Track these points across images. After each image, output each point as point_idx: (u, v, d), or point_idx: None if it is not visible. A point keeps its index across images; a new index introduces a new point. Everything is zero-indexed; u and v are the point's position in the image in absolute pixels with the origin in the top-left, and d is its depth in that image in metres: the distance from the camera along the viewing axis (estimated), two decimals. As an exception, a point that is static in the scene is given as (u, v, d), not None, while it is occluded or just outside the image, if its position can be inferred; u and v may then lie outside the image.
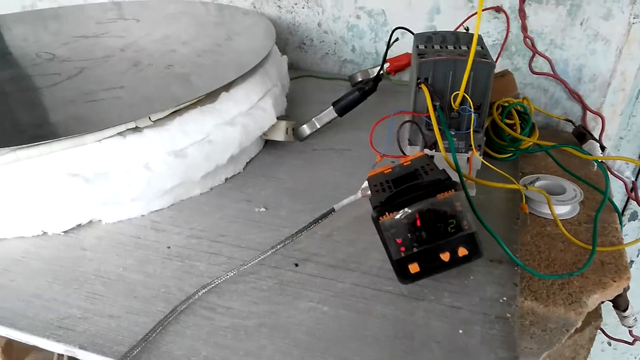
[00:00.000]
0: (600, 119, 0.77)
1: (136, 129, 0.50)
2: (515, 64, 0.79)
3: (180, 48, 0.67)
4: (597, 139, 0.71)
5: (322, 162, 0.63)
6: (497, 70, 0.70)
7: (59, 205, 0.47)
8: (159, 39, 0.71)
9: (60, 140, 0.46)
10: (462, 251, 0.39)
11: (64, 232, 0.50)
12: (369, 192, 0.47)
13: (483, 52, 0.50)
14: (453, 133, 0.51)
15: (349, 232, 0.50)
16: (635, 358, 1.07)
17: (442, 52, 0.51)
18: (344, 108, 0.62)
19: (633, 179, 0.64)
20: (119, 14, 0.87)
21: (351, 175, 0.59)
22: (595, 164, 0.65)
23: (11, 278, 0.45)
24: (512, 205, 0.54)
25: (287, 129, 0.63)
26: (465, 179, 0.47)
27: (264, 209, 0.53)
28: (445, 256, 0.39)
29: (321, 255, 0.47)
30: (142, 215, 0.52)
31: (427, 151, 0.52)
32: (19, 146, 0.45)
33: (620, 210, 0.93)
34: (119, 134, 0.49)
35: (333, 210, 0.48)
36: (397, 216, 0.38)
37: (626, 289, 0.60)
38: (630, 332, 0.70)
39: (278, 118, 0.64)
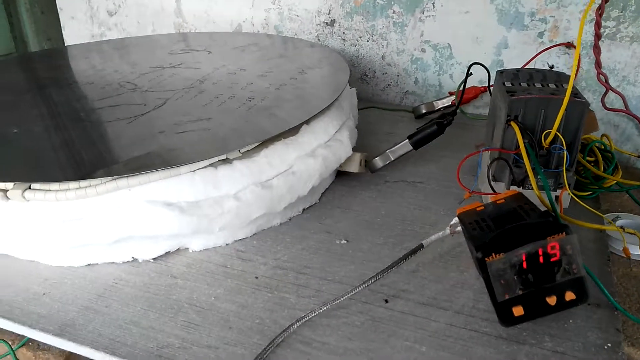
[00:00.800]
0: (676, 157, 0.75)
1: (226, 161, 0.52)
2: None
3: (257, 81, 0.69)
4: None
5: (396, 194, 0.63)
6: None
7: (154, 233, 0.48)
8: (234, 71, 0.74)
9: (159, 170, 0.47)
10: (569, 295, 0.38)
11: (153, 259, 0.51)
12: (458, 228, 0.47)
13: (574, 91, 0.50)
14: (542, 171, 0.51)
15: (435, 268, 0.49)
16: None
17: (530, 90, 0.51)
18: (420, 141, 0.62)
19: None
20: (189, 45, 0.90)
21: (427, 209, 0.59)
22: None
23: (106, 304, 0.46)
24: (600, 246, 0.52)
25: (361, 160, 0.64)
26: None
27: (345, 241, 0.54)
28: (551, 300, 0.38)
29: (410, 292, 0.46)
30: (227, 244, 0.53)
31: (514, 188, 0.52)
32: (120, 176, 0.47)
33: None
34: (211, 165, 0.50)
35: (422, 246, 0.48)
36: (504, 257, 0.38)
37: None
38: None
39: (353, 150, 0.65)
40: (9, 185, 0.48)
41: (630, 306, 0.49)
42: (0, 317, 0.44)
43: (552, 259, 0.38)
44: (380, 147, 0.67)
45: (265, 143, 0.55)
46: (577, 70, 0.75)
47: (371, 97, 0.93)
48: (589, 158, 0.60)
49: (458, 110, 0.76)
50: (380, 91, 0.92)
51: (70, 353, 0.60)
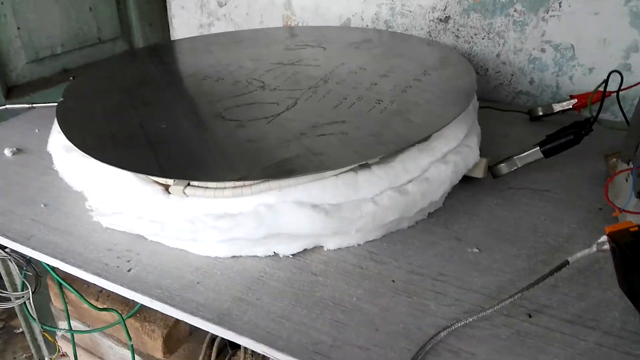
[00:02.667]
0: None
1: (365, 165, 0.53)
2: None
3: (380, 81, 0.70)
4: None
5: (522, 202, 0.62)
6: None
7: (299, 232, 0.51)
8: (354, 69, 0.75)
9: (308, 174, 0.50)
10: None
11: (292, 255, 0.54)
12: (606, 247, 0.46)
13: None
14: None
15: (576, 284, 0.49)
16: None
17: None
18: (553, 150, 0.61)
19: None
20: (302, 40, 0.92)
21: (558, 221, 0.58)
22: None
23: (257, 296, 0.49)
24: None
25: (486, 166, 0.64)
26: None
27: (477, 250, 0.54)
28: None
29: (552, 308, 0.46)
30: (359, 245, 0.55)
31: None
32: (274, 179, 0.49)
33: None
34: (352, 169, 0.52)
35: (567, 263, 0.47)
36: (672, 285, 0.37)
37: None
38: None
39: (477, 154, 0.65)
40: (169, 181, 0.52)
41: None
42: (163, 303, 0.49)
43: None
44: (497, 150, 0.66)
45: (402, 149, 0.56)
46: None
47: (481, 95, 0.91)
48: None
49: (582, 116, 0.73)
50: (491, 89, 0.91)
51: (174, 324, 0.65)
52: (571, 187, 0.64)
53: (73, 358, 0.74)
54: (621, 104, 0.70)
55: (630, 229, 0.44)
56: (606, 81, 0.61)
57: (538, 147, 0.62)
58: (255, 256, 0.54)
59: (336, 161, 0.51)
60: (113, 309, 0.65)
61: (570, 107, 0.78)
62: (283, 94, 0.68)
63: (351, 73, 0.74)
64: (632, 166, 0.51)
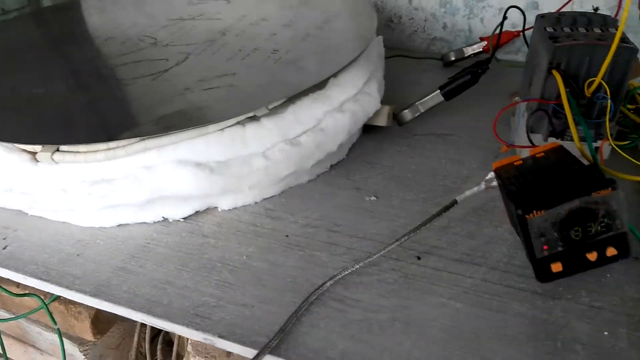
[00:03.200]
0: None
1: (254, 118, 0.51)
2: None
3: (281, 31, 0.67)
4: None
5: (425, 148, 0.61)
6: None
7: (183, 193, 0.48)
8: (256, 21, 0.71)
9: (187, 130, 0.47)
10: (610, 251, 0.37)
11: (184, 218, 0.51)
12: (494, 183, 0.45)
13: (622, 36, 0.46)
14: (590, 121, 0.48)
15: (468, 223, 0.49)
16: None
17: (574, 35, 0.48)
18: (452, 92, 0.60)
19: None
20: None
21: (459, 163, 0.58)
22: None
23: (140, 264, 0.46)
24: (640, 198, 0.51)
25: (389, 113, 0.62)
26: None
27: (375, 198, 0.53)
28: (592, 256, 0.37)
29: (442, 248, 0.46)
30: (256, 203, 0.53)
31: (552, 140, 0.50)
32: (149, 136, 0.46)
33: None
34: (239, 122, 0.49)
35: (455, 202, 0.46)
36: (546, 214, 0.37)
37: None
38: None
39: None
40: (37, 147, 0.48)
41: (670, 259, 0.48)
42: (37, 279, 0.45)
43: (596, 215, 0.36)
44: (407, 98, 0.65)
45: (292, 99, 0.53)
46: (618, 11, 0.70)
47: (396, 44, 0.89)
48: (629, 106, 0.57)
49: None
50: (406, 38, 0.89)
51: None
52: (475, 129, 0.64)
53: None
54: (528, 43, 0.69)
55: (515, 163, 0.44)
56: (503, 18, 0.60)
57: (438, 91, 0.61)
58: (144, 223, 0.51)
59: (219, 114, 0.48)
60: (34, 294, 0.61)
61: (481, 49, 0.77)
62: (175, 50, 0.64)
63: (252, 25, 0.70)
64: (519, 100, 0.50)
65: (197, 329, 0.40)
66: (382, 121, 0.62)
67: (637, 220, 0.47)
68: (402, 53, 0.86)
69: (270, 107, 0.51)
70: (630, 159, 0.46)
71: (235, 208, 0.52)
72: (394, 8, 0.86)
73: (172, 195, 0.48)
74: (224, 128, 0.49)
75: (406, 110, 0.63)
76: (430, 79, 0.79)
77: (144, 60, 0.62)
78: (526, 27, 0.69)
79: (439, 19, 0.84)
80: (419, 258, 0.45)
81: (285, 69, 0.56)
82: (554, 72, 0.47)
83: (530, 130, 0.52)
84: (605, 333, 0.37)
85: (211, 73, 0.56)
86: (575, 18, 0.50)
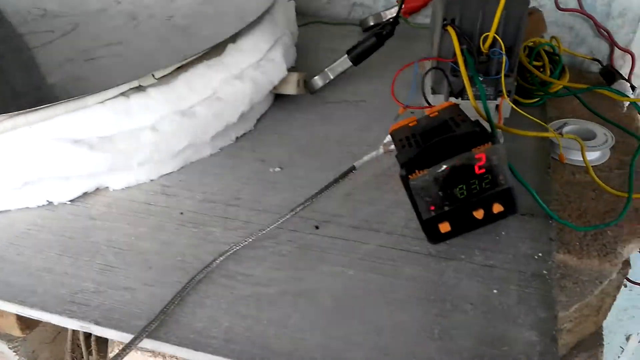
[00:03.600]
0: (629, 57, 0.72)
1: (140, 88, 0.47)
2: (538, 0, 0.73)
3: (179, -3, 0.62)
4: (626, 78, 0.66)
5: (337, 115, 0.59)
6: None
7: (64, 173, 0.44)
8: (156, -13, 0.66)
9: (61, 103, 0.43)
10: (497, 207, 0.37)
11: (71, 201, 0.48)
12: (392, 147, 0.44)
13: (514, -13, 0.45)
14: (481, 79, 0.47)
15: (370, 190, 0.47)
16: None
17: (467, -12, 0.46)
18: (359, 56, 0.58)
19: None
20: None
21: (369, 129, 0.56)
22: (631, 105, 0.61)
23: (18, 252, 0.43)
24: (542, 154, 0.50)
25: (298, 81, 0.60)
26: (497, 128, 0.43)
27: (279, 169, 0.51)
28: (478, 214, 0.37)
29: (342, 216, 0.44)
30: (152, 180, 0.50)
31: (452, 99, 0.48)
32: (17, 112, 0.42)
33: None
34: (122, 94, 0.46)
35: (354, 168, 0.45)
36: (428, 174, 0.35)
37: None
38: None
39: (288, 70, 0.60)
40: None
41: (570, 213, 0.48)
42: None
43: (478, 171, 0.35)
44: (324, 66, 0.63)
45: (185, 67, 0.50)
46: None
47: (316, 12, 0.87)
48: (536, 62, 0.57)
49: (401, 20, 0.71)
50: (326, 4, 0.86)
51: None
52: (387, 94, 0.62)
53: None
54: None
55: (410, 125, 0.42)
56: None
57: (346, 55, 0.59)
58: (26, 208, 0.47)
59: (99, 86, 0.45)
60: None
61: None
62: (64, 20, 0.59)
63: (152, -8, 0.65)
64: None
65: (72, 317, 0.37)
66: (290, 89, 0.59)
67: (536, 176, 0.47)
68: (321, 19, 0.83)
69: (158, 75, 0.48)
70: (527, 115, 0.45)
71: (128, 187, 0.49)
72: (312, -27, 0.83)
73: (51, 176, 0.44)
74: (105, 100, 0.45)
75: (316, 77, 0.61)
76: (349, 45, 0.76)
77: (27, 33, 0.57)
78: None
79: (357, -17, 0.82)
80: (317, 227, 0.43)
81: (177, 35, 0.52)
82: (449, 28, 0.45)
83: (432, 91, 0.50)
84: (495, 291, 0.36)
85: (97, 43, 0.52)
86: (473, -28, 0.49)
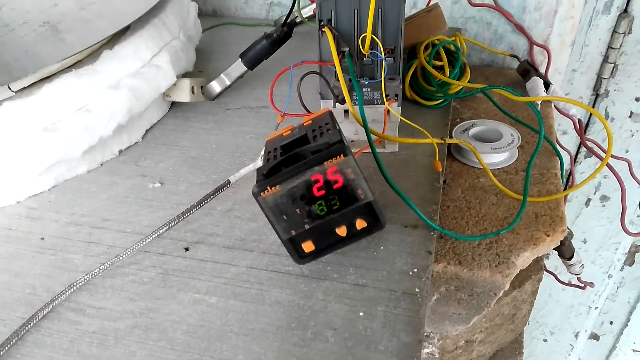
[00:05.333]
0: (547, 53, 0.71)
1: (-8, 103, 0.43)
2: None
3: (64, 0, 0.58)
4: (542, 74, 0.65)
5: (234, 123, 0.56)
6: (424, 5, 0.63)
7: None
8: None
9: None
10: (360, 223, 0.34)
11: None
12: (268, 158, 0.41)
13: (391, -17, 0.43)
14: (367, 82, 0.45)
15: (253, 204, 0.44)
16: (597, 295, 1.06)
17: (346, -14, 0.43)
18: (253, 59, 0.55)
19: (579, 117, 0.59)
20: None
21: (263, 138, 0.52)
22: (545, 103, 0.60)
23: None
24: (441, 154, 0.48)
25: (192, 87, 0.56)
26: (375, 136, 0.41)
27: (160, 184, 0.47)
28: (341, 231, 0.34)
29: (217, 235, 0.41)
30: (18, 202, 0.46)
31: (339, 106, 0.46)
32: None
33: (576, 149, 0.88)
34: (-31, 110, 0.42)
35: (228, 182, 0.42)
36: (281, 190, 0.32)
37: (569, 237, 0.56)
38: (578, 279, 0.67)
39: (183, 76, 0.57)
40: None
41: (468, 220, 0.46)
42: None
43: (335, 186, 0.32)
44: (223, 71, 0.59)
45: (50, 77, 0.46)
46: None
47: (234, 12, 0.83)
48: (436, 62, 0.54)
49: (303, 20, 0.68)
50: (244, 4, 0.82)
51: None
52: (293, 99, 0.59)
53: None
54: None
55: (284, 134, 0.39)
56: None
57: (240, 59, 0.56)
58: None
59: (-61, 103, 0.40)
60: None
61: (312, 12, 0.72)
62: None
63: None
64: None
65: None
66: (183, 97, 0.56)
67: (428, 185, 0.44)
68: (238, 20, 0.80)
69: (16, 88, 0.44)
70: (408, 122, 0.43)
71: (-9, 211, 0.45)
72: (225, -28, 0.80)
73: None
74: (-53, 119, 0.41)
75: (213, 82, 0.58)
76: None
77: None
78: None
79: (272, -19, 0.79)
80: (186, 249, 0.40)
81: (44, 43, 0.48)
82: (326, 29, 0.42)
83: (321, 96, 0.48)
84: (361, 314, 0.34)
85: (-47, 54, 0.47)
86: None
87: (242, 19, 0.81)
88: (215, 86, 0.57)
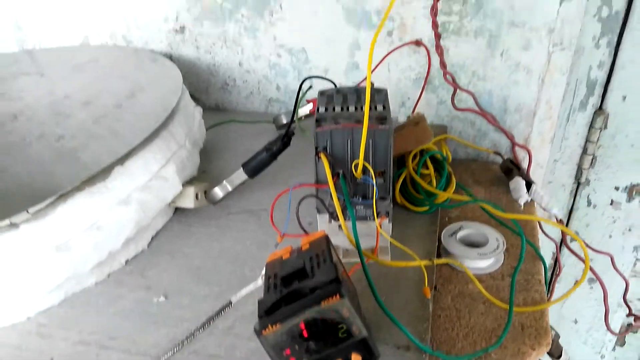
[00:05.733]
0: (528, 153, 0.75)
1: (12, 225, 0.46)
2: (440, 97, 0.76)
3: (77, 112, 0.62)
4: (525, 172, 0.69)
5: (236, 228, 0.59)
6: (406, 117, 0.67)
7: None
8: (58, 99, 0.66)
9: None
10: (355, 358, 0.36)
11: None
12: (270, 279, 0.43)
13: (383, 114, 0.47)
14: (360, 202, 0.48)
15: (252, 322, 0.46)
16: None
17: (341, 115, 0.47)
18: (254, 170, 0.58)
19: (560, 217, 0.62)
20: (25, 66, 0.81)
21: (263, 246, 0.55)
22: (530, 202, 0.63)
23: None
24: (429, 274, 0.51)
25: (197, 194, 0.59)
26: (367, 256, 0.44)
27: (164, 298, 0.49)
28: (338, 365, 0.36)
29: (219, 357, 0.43)
30: (28, 318, 0.48)
31: (334, 223, 0.49)
32: None
33: (561, 237, 0.91)
34: (-10, 234, 0.44)
35: (230, 303, 0.44)
36: (281, 328, 0.35)
37: (556, 338, 0.58)
38: (569, 374, 0.69)
39: (189, 182, 0.60)
40: None
41: (458, 332, 0.48)
42: None
43: (332, 322, 0.35)
44: (234, 170, 0.62)
45: (64, 196, 0.49)
46: (429, 70, 0.73)
47: (235, 107, 0.88)
48: (424, 170, 0.58)
49: (299, 130, 0.72)
50: (244, 99, 0.87)
51: None
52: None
53: None
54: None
55: (283, 257, 0.42)
56: (299, 90, 0.60)
57: (242, 169, 0.59)
58: None
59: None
60: None
61: (309, 112, 0.77)
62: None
63: (52, 104, 0.65)
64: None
65: None
66: (188, 203, 0.59)
67: (418, 301, 0.47)
68: (240, 115, 0.84)
69: (33, 211, 0.47)
70: (398, 244, 0.46)
71: (2, 328, 0.47)
72: (227, 71, 0.85)
73: None
74: (-33, 244, 0.43)
75: (216, 188, 0.61)
76: (263, 143, 0.76)
77: None
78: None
79: (271, 80, 0.84)
80: (189, 372, 0.42)
81: (60, 161, 0.52)
82: (322, 155, 0.46)
83: (317, 211, 0.51)
84: None
85: (-25, 174, 0.51)
86: (347, 96, 0.50)
87: (243, 113, 0.86)
88: (218, 192, 0.61)
